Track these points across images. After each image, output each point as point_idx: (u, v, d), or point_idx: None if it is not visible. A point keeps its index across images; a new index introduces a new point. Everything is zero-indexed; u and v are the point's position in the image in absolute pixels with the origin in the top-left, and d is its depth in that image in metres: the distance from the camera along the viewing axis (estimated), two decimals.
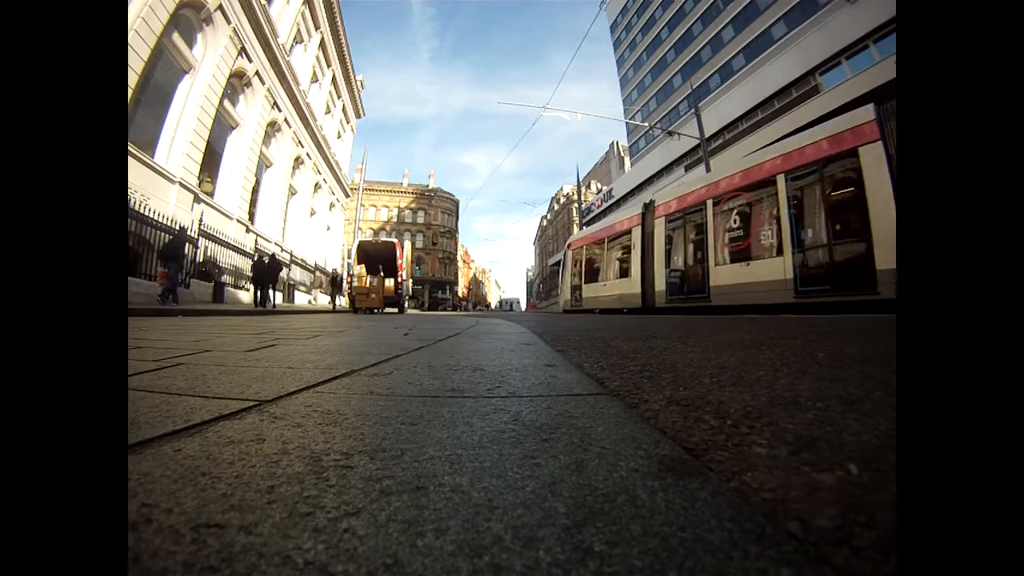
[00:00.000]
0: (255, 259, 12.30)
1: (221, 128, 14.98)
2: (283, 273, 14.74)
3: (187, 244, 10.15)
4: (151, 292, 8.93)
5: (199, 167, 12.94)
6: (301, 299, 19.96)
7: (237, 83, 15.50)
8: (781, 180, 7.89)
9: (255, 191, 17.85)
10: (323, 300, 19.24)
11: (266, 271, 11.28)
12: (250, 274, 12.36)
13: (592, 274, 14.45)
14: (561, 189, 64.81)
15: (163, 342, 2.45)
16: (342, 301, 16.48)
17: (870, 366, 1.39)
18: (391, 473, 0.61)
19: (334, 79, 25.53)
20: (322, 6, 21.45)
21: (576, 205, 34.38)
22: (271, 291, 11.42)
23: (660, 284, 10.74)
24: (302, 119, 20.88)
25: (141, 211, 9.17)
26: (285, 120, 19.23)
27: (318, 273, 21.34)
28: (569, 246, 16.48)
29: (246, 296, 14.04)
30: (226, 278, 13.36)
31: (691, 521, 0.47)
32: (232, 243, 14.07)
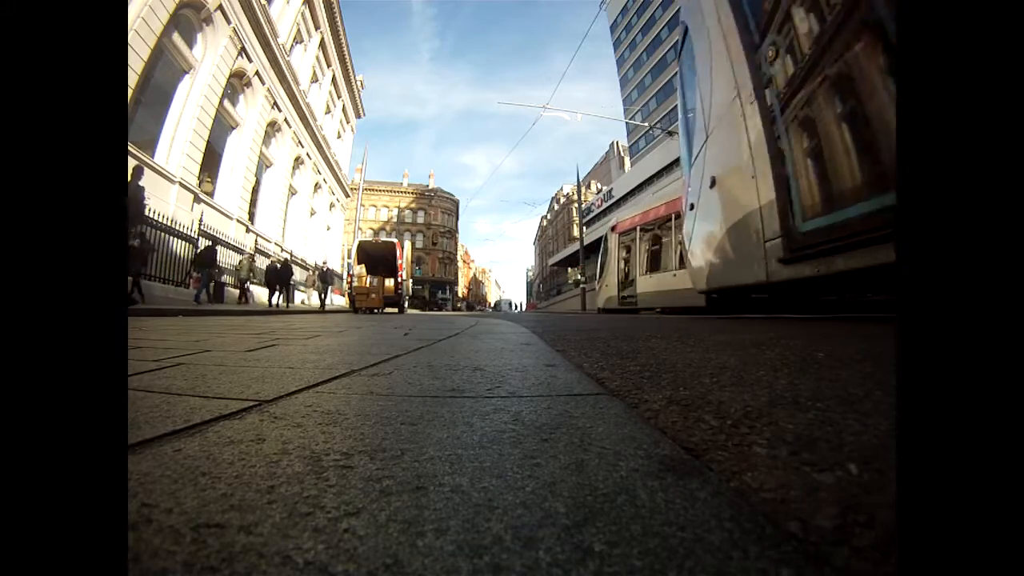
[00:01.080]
0: (269, 264, 13.40)
1: (221, 128, 14.97)
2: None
3: (217, 253, 11.30)
4: (148, 293, 9.05)
5: (199, 167, 12.94)
6: (298, 298, 19.91)
7: (237, 83, 15.49)
8: None
9: (255, 191, 17.82)
10: (316, 299, 19.05)
11: (279, 275, 12.37)
12: (242, 275, 12.84)
13: (653, 263, 11.23)
14: (561, 189, 64.83)
15: (163, 342, 2.45)
16: (339, 300, 16.26)
17: (870, 366, 1.39)
18: (391, 473, 0.61)
19: (334, 79, 25.52)
20: (322, 6, 21.44)
21: (576, 205, 34.35)
22: (278, 293, 12.29)
23: None
24: (302, 119, 20.86)
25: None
26: (285, 120, 19.21)
27: (313, 272, 21.22)
28: (613, 229, 13.45)
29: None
30: (226, 278, 13.38)
31: (691, 521, 0.47)
32: (232, 243, 14.07)
